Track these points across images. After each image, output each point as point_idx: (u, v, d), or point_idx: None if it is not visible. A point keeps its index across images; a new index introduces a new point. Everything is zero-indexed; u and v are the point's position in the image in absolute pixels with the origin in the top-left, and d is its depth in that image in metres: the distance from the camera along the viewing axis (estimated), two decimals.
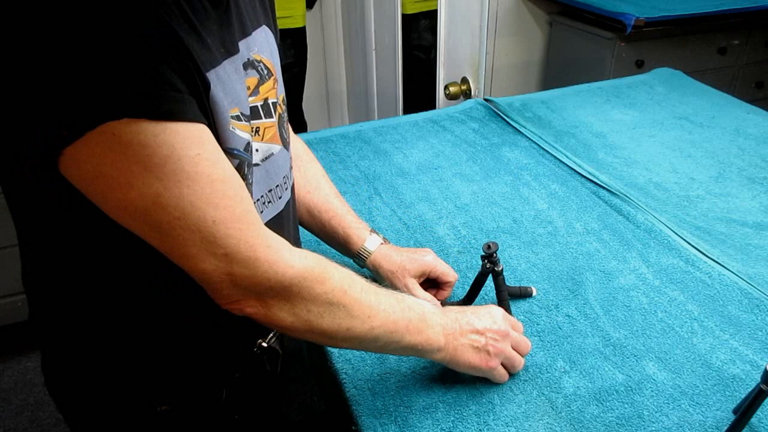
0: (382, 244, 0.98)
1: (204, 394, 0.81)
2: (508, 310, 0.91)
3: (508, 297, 0.92)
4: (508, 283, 0.92)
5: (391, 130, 1.51)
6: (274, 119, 0.77)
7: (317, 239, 1.03)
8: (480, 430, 0.78)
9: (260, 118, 0.74)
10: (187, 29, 0.59)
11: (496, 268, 0.90)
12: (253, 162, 0.72)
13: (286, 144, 0.81)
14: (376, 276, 0.98)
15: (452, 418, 0.79)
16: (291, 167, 0.85)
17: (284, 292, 0.67)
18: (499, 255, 0.90)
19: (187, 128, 0.58)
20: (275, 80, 0.77)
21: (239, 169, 0.67)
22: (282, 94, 0.80)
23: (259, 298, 0.67)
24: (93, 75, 0.53)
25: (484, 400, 0.81)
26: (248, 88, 0.71)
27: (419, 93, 2.50)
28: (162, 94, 0.55)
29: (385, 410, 0.80)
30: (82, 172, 0.56)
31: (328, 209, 0.99)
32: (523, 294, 0.99)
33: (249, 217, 0.64)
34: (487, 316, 0.82)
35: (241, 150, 0.67)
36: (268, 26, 0.77)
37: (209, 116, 0.62)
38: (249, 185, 0.70)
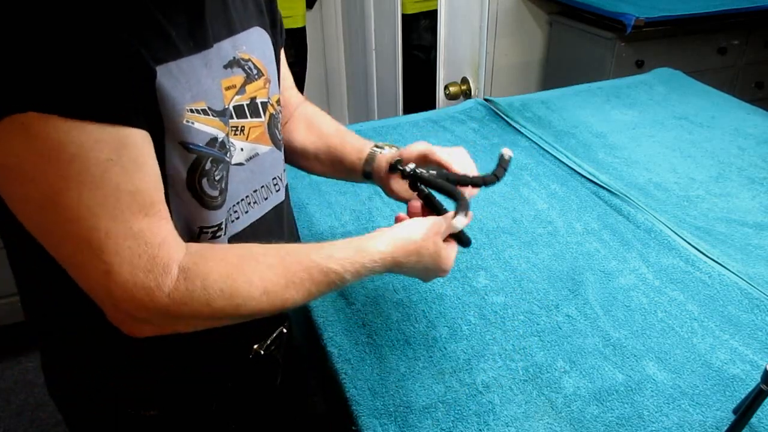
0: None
1: (193, 401, 0.81)
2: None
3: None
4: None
5: (391, 130, 1.51)
6: (263, 119, 0.75)
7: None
8: (480, 430, 0.78)
9: (245, 117, 0.72)
10: (141, 20, 0.57)
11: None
12: (235, 161, 0.71)
13: (278, 145, 0.79)
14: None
15: (452, 418, 0.79)
16: (285, 169, 0.83)
17: (164, 317, 0.61)
18: (499, 255, 0.88)
19: (104, 131, 0.55)
20: (267, 80, 0.75)
21: (197, 164, 0.64)
22: (276, 95, 0.78)
23: (147, 323, 0.61)
24: (11, 65, 0.52)
25: (484, 400, 0.81)
26: (234, 86, 0.69)
27: (419, 93, 2.51)
28: (80, 92, 0.53)
29: (385, 410, 0.80)
30: None
31: (329, 146, 0.95)
32: (486, 181, 0.78)
33: (146, 237, 0.58)
34: (414, 258, 0.72)
35: (201, 145, 0.64)
36: (262, 28, 0.76)
37: (153, 108, 0.59)
38: (214, 182, 0.67)
